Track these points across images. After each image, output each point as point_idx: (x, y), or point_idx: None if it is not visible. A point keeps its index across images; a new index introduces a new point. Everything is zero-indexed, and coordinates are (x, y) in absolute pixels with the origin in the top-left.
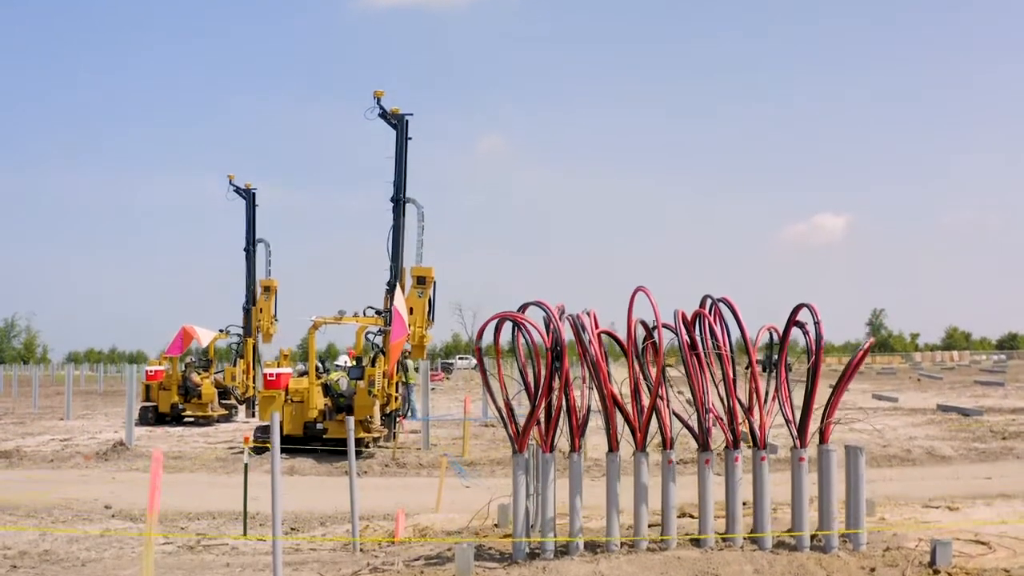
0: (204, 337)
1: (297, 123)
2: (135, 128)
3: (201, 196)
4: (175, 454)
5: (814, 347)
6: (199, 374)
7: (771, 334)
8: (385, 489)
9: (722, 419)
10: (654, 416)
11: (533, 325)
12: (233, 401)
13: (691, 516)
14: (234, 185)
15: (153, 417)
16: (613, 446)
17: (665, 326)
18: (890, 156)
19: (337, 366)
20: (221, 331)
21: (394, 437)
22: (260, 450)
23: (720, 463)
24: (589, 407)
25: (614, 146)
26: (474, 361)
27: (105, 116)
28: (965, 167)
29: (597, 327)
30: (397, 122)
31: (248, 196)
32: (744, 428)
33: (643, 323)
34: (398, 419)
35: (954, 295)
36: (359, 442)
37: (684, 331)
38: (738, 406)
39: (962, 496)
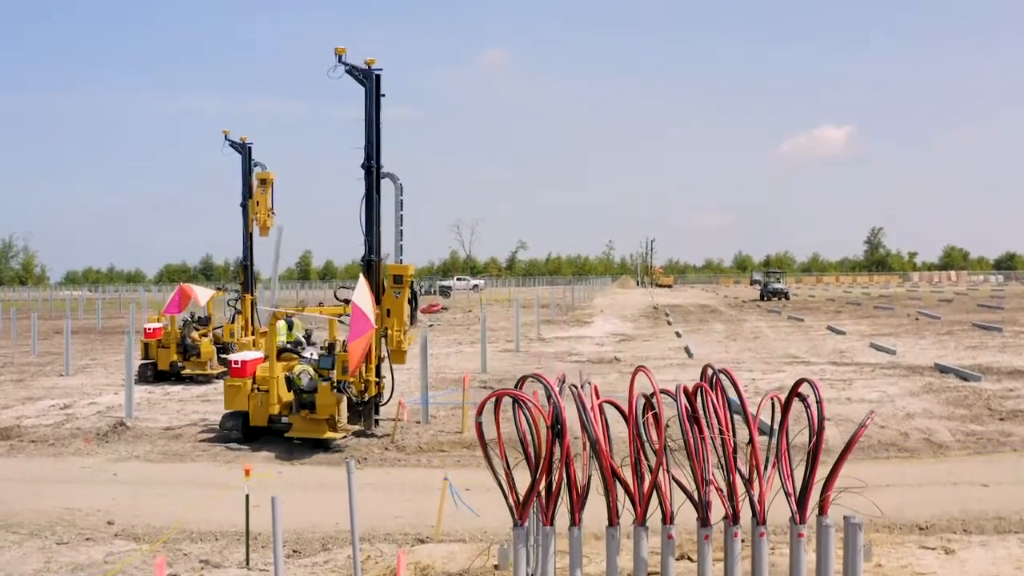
0: (202, 296)
1: (296, 37)
2: (132, 46)
3: (198, 114)
4: (174, 433)
5: (816, 425)
6: (197, 331)
7: (773, 402)
8: (384, 490)
9: (722, 491)
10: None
11: (533, 403)
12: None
13: (690, 559)
14: (229, 140)
15: (152, 375)
16: (613, 520)
17: (664, 391)
18: (893, 68)
19: (304, 359)
20: (219, 288)
21: (376, 424)
22: (230, 441)
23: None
24: (590, 477)
25: (616, 63)
26: (473, 282)
27: (102, 34)
28: (968, 81)
29: (599, 398)
30: (366, 78)
31: (244, 150)
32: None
33: (645, 396)
34: (398, 403)
35: (953, 211)
36: (326, 443)
37: (685, 403)
38: (738, 478)
39: (959, 520)
